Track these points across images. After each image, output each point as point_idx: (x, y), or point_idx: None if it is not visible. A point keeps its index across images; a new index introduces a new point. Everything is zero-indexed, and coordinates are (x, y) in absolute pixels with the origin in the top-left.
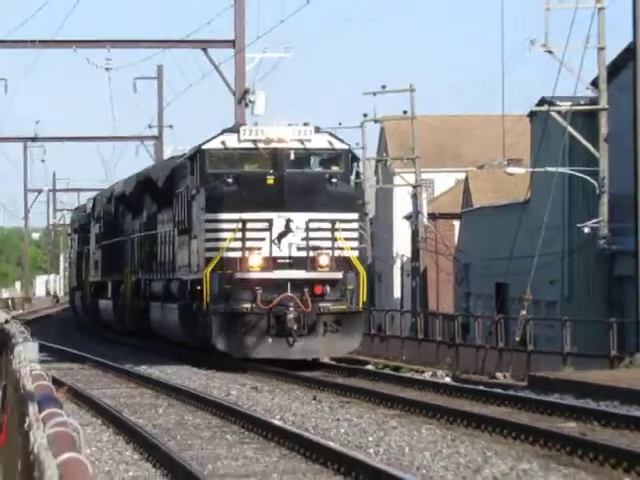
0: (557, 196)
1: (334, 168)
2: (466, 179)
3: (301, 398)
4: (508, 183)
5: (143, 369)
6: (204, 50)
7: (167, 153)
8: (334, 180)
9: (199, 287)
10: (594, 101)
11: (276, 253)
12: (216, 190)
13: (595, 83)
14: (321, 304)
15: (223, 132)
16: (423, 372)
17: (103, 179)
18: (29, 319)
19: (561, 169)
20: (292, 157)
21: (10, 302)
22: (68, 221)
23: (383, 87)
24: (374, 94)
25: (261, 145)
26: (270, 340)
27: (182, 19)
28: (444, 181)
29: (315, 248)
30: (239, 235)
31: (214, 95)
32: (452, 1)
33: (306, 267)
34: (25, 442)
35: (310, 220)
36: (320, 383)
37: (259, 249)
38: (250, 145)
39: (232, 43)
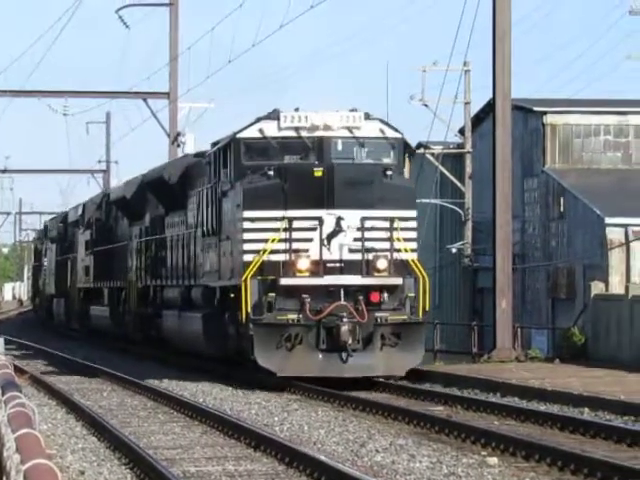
0: (430, 222)
1: (386, 160)
2: None
3: (220, 385)
4: None
5: (92, 361)
6: (144, 100)
7: (113, 183)
8: (389, 172)
9: (233, 294)
10: (460, 146)
11: (326, 256)
12: (255, 184)
13: (461, 131)
14: (378, 314)
15: (259, 119)
16: None
17: (60, 204)
18: None
19: (434, 200)
20: (340, 147)
21: None
22: (31, 238)
23: None
24: None
25: (304, 133)
26: (320, 356)
27: (126, 74)
28: None
29: (370, 250)
30: (284, 235)
31: (152, 136)
32: (346, 65)
33: (361, 272)
34: None
35: (364, 218)
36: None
37: (306, 251)
38: (292, 133)
39: (167, 95)
